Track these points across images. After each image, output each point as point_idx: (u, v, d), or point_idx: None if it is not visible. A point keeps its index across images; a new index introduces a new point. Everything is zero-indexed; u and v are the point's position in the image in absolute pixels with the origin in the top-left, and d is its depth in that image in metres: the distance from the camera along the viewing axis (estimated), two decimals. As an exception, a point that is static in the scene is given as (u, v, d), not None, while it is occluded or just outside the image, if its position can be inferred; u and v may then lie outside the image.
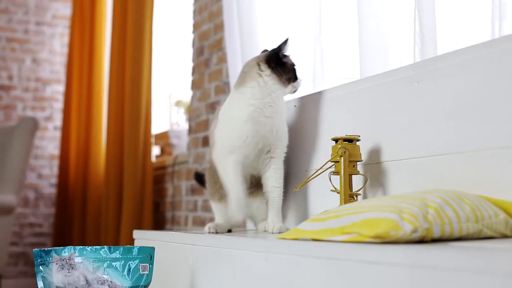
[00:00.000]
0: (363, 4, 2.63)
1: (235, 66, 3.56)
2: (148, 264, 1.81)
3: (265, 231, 2.37)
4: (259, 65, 2.29)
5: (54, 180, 6.43)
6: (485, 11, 2.34)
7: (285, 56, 2.30)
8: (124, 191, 4.92)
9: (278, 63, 2.28)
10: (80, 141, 5.92)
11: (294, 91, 2.33)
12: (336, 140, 2.06)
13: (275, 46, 2.31)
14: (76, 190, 5.87)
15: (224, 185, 2.31)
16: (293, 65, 2.32)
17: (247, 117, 2.22)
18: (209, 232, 2.34)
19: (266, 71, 2.27)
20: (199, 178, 2.94)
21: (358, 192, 2.08)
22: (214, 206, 2.51)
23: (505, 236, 1.57)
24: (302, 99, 2.52)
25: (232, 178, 2.24)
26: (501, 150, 1.71)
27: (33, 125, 5.42)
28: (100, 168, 5.67)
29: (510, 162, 1.68)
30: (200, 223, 4.28)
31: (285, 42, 2.29)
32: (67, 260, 1.77)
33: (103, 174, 5.54)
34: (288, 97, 2.57)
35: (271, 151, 2.30)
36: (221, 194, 2.43)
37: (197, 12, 4.57)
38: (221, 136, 2.32)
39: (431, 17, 2.39)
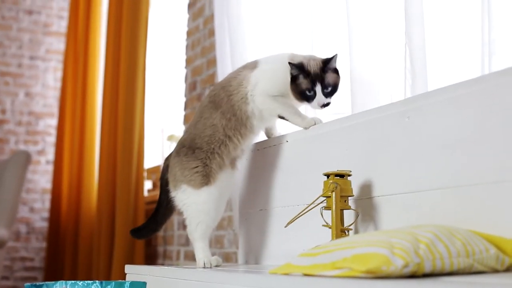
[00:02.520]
0: (354, 41, 2.66)
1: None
2: (139, 299, 1.80)
3: None
4: None
5: (46, 214, 6.41)
6: (475, 47, 2.36)
7: (301, 76, 2.36)
8: (116, 225, 4.91)
9: (291, 79, 2.37)
10: (73, 175, 5.91)
11: (321, 107, 2.37)
12: (328, 175, 2.07)
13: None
14: (68, 224, 5.85)
15: (280, 113, 2.44)
16: (300, 88, 2.36)
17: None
18: (204, 268, 2.34)
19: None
20: (137, 232, 2.84)
21: (349, 227, 2.08)
22: (194, 193, 2.46)
23: (496, 271, 1.58)
24: (294, 134, 2.53)
25: (286, 101, 2.42)
26: (491, 185, 1.72)
27: (25, 159, 5.42)
28: (92, 202, 5.66)
29: (500, 197, 1.69)
30: (192, 257, 4.26)
31: (292, 66, 2.36)
32: (59, 295, 1.76)
33: (95, 208, 5.53)
34: (281, 131, 2.60)
35: None
36: (204, 174, 2.45)
37: (190, 47, 4.60)
38: (264, 86, 2.43)
39: (421, 54, 2.41)
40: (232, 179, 2.59)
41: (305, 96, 2.35)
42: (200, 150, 2.44)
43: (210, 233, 2.50)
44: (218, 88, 2.53)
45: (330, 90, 2.35)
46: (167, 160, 2.60)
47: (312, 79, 2.33)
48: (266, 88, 2.42)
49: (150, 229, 2.71)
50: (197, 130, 2.48)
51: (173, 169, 2.50)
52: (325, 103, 2.34)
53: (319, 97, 2.33)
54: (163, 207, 2.64)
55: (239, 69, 2.57)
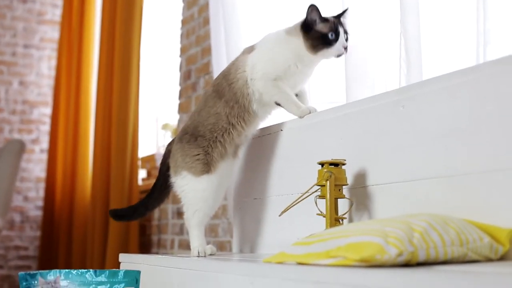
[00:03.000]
0: (349, 30, 2.65)
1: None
2: (134, 288, 1.80)
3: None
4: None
5: (40, 203, 6.41)
6: (470, 36, 2.36)
7: (319, 22, 2.36)
8: (110, 214, 4.90)
9: (306, 29, 2.37)
10: (67, 164, 5.91)
11: (338, 56, 2.38)
12: (322, 164, 2.07)
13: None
14: (62, 213, 5.85)
15: (277, 100, 2.43)
16: (320, 32, 2.35)
17: (291, 61, 2.40)
18: (198, 256, 2.34)
19: (301, 34, 2.39)
20: (117, 213, 2.85)
21: (343, 216, 2.08)
22: (193, 180, 2.45)
23: (489, 260, 1.58)
24: (289, 123, 2.52)
25: (284, 88, 2.40)
26: (486, 174, 1.72)
27: (20, 148, 5.41)
28: (87, 191, 5.65)
29: (494, 186, 1.69)
30: (186, 246, 4.27)
31: (312, 9, 2.35)
32: (53, 284, 1.76)
33: (89, 197, 5.52)
34: (275, 121, 2.59)
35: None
36: (205, 162, 2.45)
37: (185, 36, 4.59)
38: (263, 67, 2.42)
39: (416, 43, 2.41)
40: (232, 169, 2.59)
41: (326, 40, 2.33)
42: (203, 138, 2.44)
43: (207, 222, 2.50)
44: (221, 77, 2.54)
45: (347, 37, 2.38)
46: (170, 145, 2.60)
47: (334, 23, 2.35)
48: (265, 69, 2.41)
49: (139, 213, 2.70)
50: (201, 118, 2.48)
51: (175, 155, 2.51)
52: (347, 46, 2.36)
53: (342, 39, 2.34)
54: (157, 192, 2.63)
55: (239, 55, 2.57)
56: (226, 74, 2.51)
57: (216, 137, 2.44)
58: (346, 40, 2.37)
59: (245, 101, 2.43)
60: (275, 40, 2.46)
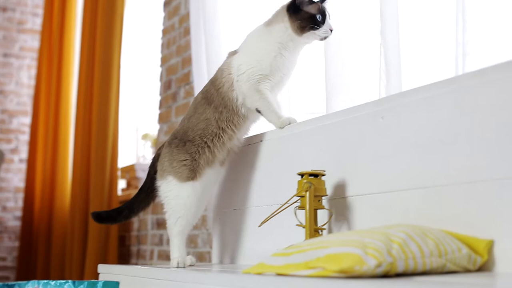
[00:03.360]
0: (329, 40, 2.66)
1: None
2: (112, 299, 1.79)
3: None
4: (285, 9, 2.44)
5: (18, 213, 6.37)
6: (449, 47, 2.37)
7: (307, 4, 2.38)
8: (90, 224, 4.88)
9: (294, 10, 2.39)
10: (46, 174, 5.88)
11: (321, 39, 2.42)
12: (302, 175, 2.07)
13: None
14: (41, 223, 5.81)
15: (258, 107, 2.43)
16: (309, 13, 2.37)
17: (275, 51, 2.40)
18: (177, 267, 2.34)
19: (285, 17, 2.41)
20: (100, 216, 2.77)
21: (323, 227, 2.08)
22: (178, 186, 2.45)
23: (468, 271, 1.59)
24: (269, 134, 2.53)
25: (267, 96, 2.40)
26: (464, 185, 1.73)
27: (-2, 157, 5.38)
28: (66, 201, 5.62)
29: (473, 197, 1.70)
30: (166, 257, 4.25)
31: None
32: (30, 295, 1.74)
33: (68, 207, 5.49)
34: (256, 131, 2.59)
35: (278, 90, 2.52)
36: (191, 168, 2.44)
37: (165, 46, 4.59)
38: (248, 65, 2.43)
39: (396, 54, 2.42)
40: (218, 177, 2.60)
41: (314, 21, 2.36)
42: (192, 144, 2.44)
43: (189, 231, 2.49)
44: (209, 83, 2.55)
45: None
46: (160, 149, 2.60)
47: (321, 6, 2.38)
48: (250, 69, 2.42)
49: (124, 215, 2.67)
50: (191, 124, 2.48)
51: (163, 158, 2.51)
52: (333, 28, 2.39)
53: (328, 22, 2.38)
54: (143, 194, 2.62)
55: (224, 60, 2.58)
56: (213, 80, 2.53)
57: (206, 142, 2.44)
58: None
59: (233, 105, 2.44)
60: (256, 37, 2.49)
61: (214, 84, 2.50)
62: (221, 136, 2.45)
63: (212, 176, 2.53)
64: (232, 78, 2.45)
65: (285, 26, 2.40)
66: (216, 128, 2.44)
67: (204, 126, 2.45)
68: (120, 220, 2.73)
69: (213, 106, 2.46)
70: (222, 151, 2.48)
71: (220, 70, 2.52)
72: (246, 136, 2.60)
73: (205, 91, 2.53)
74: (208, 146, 2.44)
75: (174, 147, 2.48)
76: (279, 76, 2.45)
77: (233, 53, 2.54)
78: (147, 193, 2.62)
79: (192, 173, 2.44)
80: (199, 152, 2.44)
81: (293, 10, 2.39)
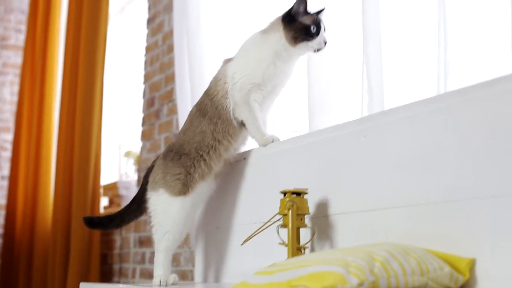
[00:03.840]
0: (312, 59, 2.67)
1: (185, 117, 3.55)
2: (93, 318, 1.78)
3: None
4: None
5: (0, 230, 6.32)
6: (431, 67, 2.39)
7: (302, 14, 2.39)
8: (72, 242, 4.85)
9: (289, 21, 2.40)
10: (28, 191, 5.84)
11: (315, 51, 2.41)
12: (284, 193, 2.06)
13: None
14: (23, 241, 5.77)
15: (244, 120, 2.43)
16: (303, 24, 2.37)
17: (268, 60, 2.40)
18: (160, 286, 2.33)
19: (281, 27, 2.41)
20: (92, 220, 2.82)
21: (305, 245, 2.08)
22: (169, 200, 2.44)
23: (450, 290, 1.59)
24: (252, 152, 2.52)
25: (255, 110, 2.40)
26: (446, 203, 1.73)
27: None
28: (48, 218, 5.59)
29: (454, 215, 1.70)
30: (148, 275, 4.23)
31: (299, 1, 2.38)
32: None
33: (50, 225, 5.46)
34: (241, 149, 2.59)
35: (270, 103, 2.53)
36: (184, 182, 2.43)
37: (149, 63, 4.59)
38: (241, 73, 2.43)
39: (378, 72, 2.43)
40: (209, 191, 2.57)
41: (308, 32, 2.36)
42: (187, 157, 2.43)
43: (175, 248, 2.48)
44: (204, 95, 2.54)
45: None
46: (154, 161, 2.58)
47: (316, 17, 2.38)
48: (243, 77, 2.42)
49: (115, 223, 2.67)
50: (187, 137, 2.48)
51: (157, 170, 2.50)
52: (327, 41, 2.40)
53: (323, 34, 2.38)
54: (135, 204, 2.62)
55: (219, 69, 2.57)
56: (207, 91, 2.53)
57: (202, 155, 2.42)
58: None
59: (227, 114, 2.43)
60: (252, 44, 2.49)
61: (208, 94, 2.49)
62: (217, 148, 2.44)
63: (204, 190, 2.51)
64: (226, 87, 2.44)
65: (280, 35, 2.39)
66: (212, 140, 2.43)
67: (200, 138, 2.44)
68: (111, 228, 2.73)
69: (207, 118, 2.45)
70: (219, 162, 2.47)
71: (215, 79, 2.52)
72: (243, 145, 2.59)
73: (200, 103, 2.52)
74: (204, 159, 2.43)
75: (169, 160, 2.47)
76: (271, 86, 2.44)
77: (228, 61, 2.54)
78: (139, 203, 2.60)
79: (185, 188, 2.42)
80: (194, 165, 2.43)
81: (288, 20, 2.39)
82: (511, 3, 2.05)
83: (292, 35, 2.37)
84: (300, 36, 2.36)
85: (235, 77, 2.43)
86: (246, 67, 2.43)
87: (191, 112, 2.57)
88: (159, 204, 2.45)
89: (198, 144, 2.44)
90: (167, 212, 2.42)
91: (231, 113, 2.44)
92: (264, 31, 2.47)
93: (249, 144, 2.58)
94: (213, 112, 2.45)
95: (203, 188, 2.49)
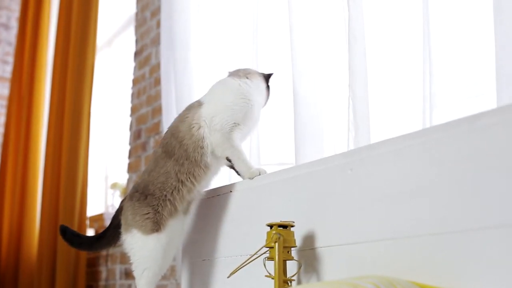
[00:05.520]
0: (299, 92, 2.69)
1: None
2: None
3: None
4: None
5: (-16, 262, 6.27)
6: (417, 101, 2.41)
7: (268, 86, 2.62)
8: (57, 273, 4.83)
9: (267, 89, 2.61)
10: (13, 222, 5.82)
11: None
12: (271, 226, 2.07)
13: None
14: (8, 271, 5.73)
15: (229, 156, 2.46)
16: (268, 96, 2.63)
17: (248, 103, 2.50)
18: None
19: (263, 83, 2.62)
20: (65, 231, 2.75)
21: (292, 278, 2.08)
22: (143, 238, 2.46)
23: (435, 323, 1.59)
24: (238, 184, 2.53)
25: (238, 145, 2.45)
26: (432, 236, 1.74)
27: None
28: (33, 249, 5.56)
29: (440, 248, 1.72)
30: (134, 307, 4.21)
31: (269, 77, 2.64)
32: None
33: (35, 256, 5.44)
34: (225, 182, 2.59)
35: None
36: (155, 221, 2.44)
37: (136, 95, 4.60)
38: (221, 117, 2.47)
39: (364, 106, 2.45)
40: (184, 226, 2.58)
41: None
42: (153, 197, 2.44)
43: (157, 282, 2.48)
44: (169, 136, 2.53)
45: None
46: (122, 202, 2.59)
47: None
48: (224, 119, 2.44)
49: (83, 246, 2.80)
50: (151, 177, 2.48)
51: (126, 212, 2.50)
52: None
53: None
54: (105, 240, 2.63)
55: (184, 112, 2.57)
56: (174, 133, 2.51)
57: (166, 196, 2.43)
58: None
59: (196, 155, 2.43)
60: (224, 88, 2.56)
61: (176, 136, 2.49)
62: (180, 189, 2.44)
63: (177, 226, 2.51)
64: (202, 131, 2.46)
65: (262, 86, 2.59)
66: (175, 181, 2.44)
67: (164, 179, 2.45)
68: (75, 247, 2.80)
69: (173, 159, 2.46)
70: (182, 203, 2.48)
71: (185, 123, 2.50)
72: (206, 189, 2.60)
73: (165, 144, 2.52)
74: (169, 199, 2.44)
75: (135, 201, 2.48)
76: (248, 126, 2.49)
77: (197, 105, 2.54)
78: (107, 240, 2.62)
79: (156, 225, 2.43)
80: (161, 205, 2.44)
81: (266, 86, 2.59)
82: (495, 37, 2.08)
83: (266, 101, 2.64)
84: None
85: (215, 119, 2.46)
86: (226, 110, 2.48)
87: (155, 152, 2.58)
88: (134, 243, 2.46)
89: (162, 185, 2.45)
90: (144, 250, 2.44)
91: (207, 154, 2.46)
92: (234, 74, 2.62)
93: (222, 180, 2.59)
94: (181, 153, 2.46)
95: (176, 225, 2.50)
